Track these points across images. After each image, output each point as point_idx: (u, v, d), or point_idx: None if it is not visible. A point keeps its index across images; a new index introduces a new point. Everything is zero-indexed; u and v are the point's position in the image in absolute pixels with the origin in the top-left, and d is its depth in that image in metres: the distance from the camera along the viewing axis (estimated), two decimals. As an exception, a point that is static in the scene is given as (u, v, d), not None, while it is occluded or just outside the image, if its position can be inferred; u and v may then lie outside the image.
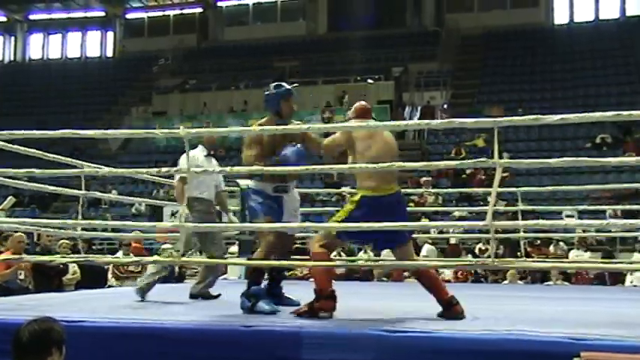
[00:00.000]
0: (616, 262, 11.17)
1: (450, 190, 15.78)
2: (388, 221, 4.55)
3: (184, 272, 10.81)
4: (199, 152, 6.51)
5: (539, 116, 4.91)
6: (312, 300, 4.68)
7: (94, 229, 8.22)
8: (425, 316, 4.67)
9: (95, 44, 36.17)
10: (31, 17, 36.60)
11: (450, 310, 4.60)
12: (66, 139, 5.81)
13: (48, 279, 8.83)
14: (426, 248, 13.09)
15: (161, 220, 14.67)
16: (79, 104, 29.99)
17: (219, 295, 6.28)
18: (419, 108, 26.15)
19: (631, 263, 10.81)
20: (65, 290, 8.80)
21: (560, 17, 29.95)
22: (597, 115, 4.79)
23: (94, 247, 12.98)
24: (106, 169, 6.86)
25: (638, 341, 3.42)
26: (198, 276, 6.54)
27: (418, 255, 5.41)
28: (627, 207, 12.52)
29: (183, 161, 5.68)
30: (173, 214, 16.16)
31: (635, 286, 10.90)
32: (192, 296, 6.25)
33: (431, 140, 23.75)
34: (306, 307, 4.69)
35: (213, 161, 6.65)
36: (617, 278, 11.62)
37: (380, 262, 7.50)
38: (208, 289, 6.35)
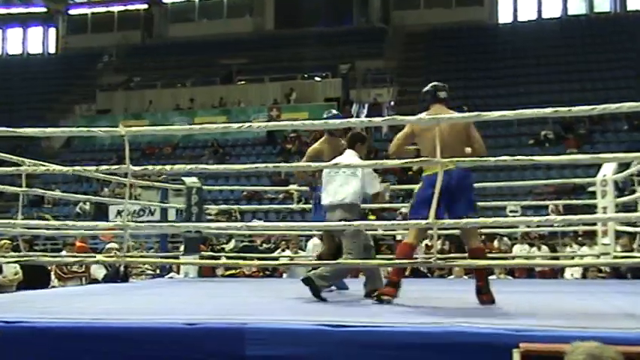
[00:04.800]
0: (557, 257, 11.47)
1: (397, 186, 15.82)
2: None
3: (130, 272, 10.65)
4: None
5: (481, 113, 5.01)
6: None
7: (36, 228, 8.06)
8: (370, 309, 4.70)
9: (37, 41, 35.45)
10: (-30, 13, 35.72)
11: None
12: (7, 136, 5.67)
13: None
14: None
15: (106, 220, 14.43)
16: (22, 102, 29.34)
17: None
18: (366, 105, 26.29)
19: (574, 258, 11.13)
20: (6, 291, 8.59)
21: (504, 16, 30.52)
22: (536, 112, 4.90)
23: (36, 248, 12.67)
24: (50, 167, 6.72)
25: (575, 331, 3.46)
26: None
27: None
28: (568, 202, 12.81)
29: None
30: (119, 213, 15.93)
31: (576, 278, 11.15)
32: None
33: (377, 137, 23.87)
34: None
35: None
36: (558, 271, 11.89)
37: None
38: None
